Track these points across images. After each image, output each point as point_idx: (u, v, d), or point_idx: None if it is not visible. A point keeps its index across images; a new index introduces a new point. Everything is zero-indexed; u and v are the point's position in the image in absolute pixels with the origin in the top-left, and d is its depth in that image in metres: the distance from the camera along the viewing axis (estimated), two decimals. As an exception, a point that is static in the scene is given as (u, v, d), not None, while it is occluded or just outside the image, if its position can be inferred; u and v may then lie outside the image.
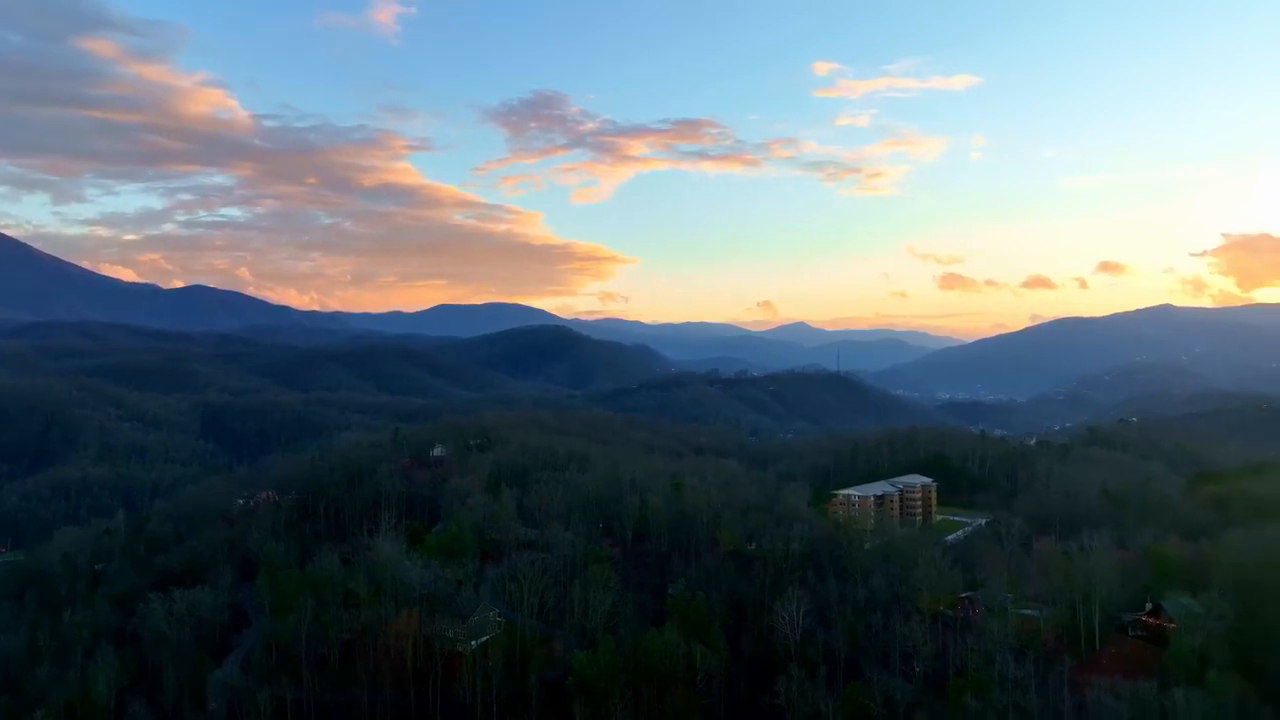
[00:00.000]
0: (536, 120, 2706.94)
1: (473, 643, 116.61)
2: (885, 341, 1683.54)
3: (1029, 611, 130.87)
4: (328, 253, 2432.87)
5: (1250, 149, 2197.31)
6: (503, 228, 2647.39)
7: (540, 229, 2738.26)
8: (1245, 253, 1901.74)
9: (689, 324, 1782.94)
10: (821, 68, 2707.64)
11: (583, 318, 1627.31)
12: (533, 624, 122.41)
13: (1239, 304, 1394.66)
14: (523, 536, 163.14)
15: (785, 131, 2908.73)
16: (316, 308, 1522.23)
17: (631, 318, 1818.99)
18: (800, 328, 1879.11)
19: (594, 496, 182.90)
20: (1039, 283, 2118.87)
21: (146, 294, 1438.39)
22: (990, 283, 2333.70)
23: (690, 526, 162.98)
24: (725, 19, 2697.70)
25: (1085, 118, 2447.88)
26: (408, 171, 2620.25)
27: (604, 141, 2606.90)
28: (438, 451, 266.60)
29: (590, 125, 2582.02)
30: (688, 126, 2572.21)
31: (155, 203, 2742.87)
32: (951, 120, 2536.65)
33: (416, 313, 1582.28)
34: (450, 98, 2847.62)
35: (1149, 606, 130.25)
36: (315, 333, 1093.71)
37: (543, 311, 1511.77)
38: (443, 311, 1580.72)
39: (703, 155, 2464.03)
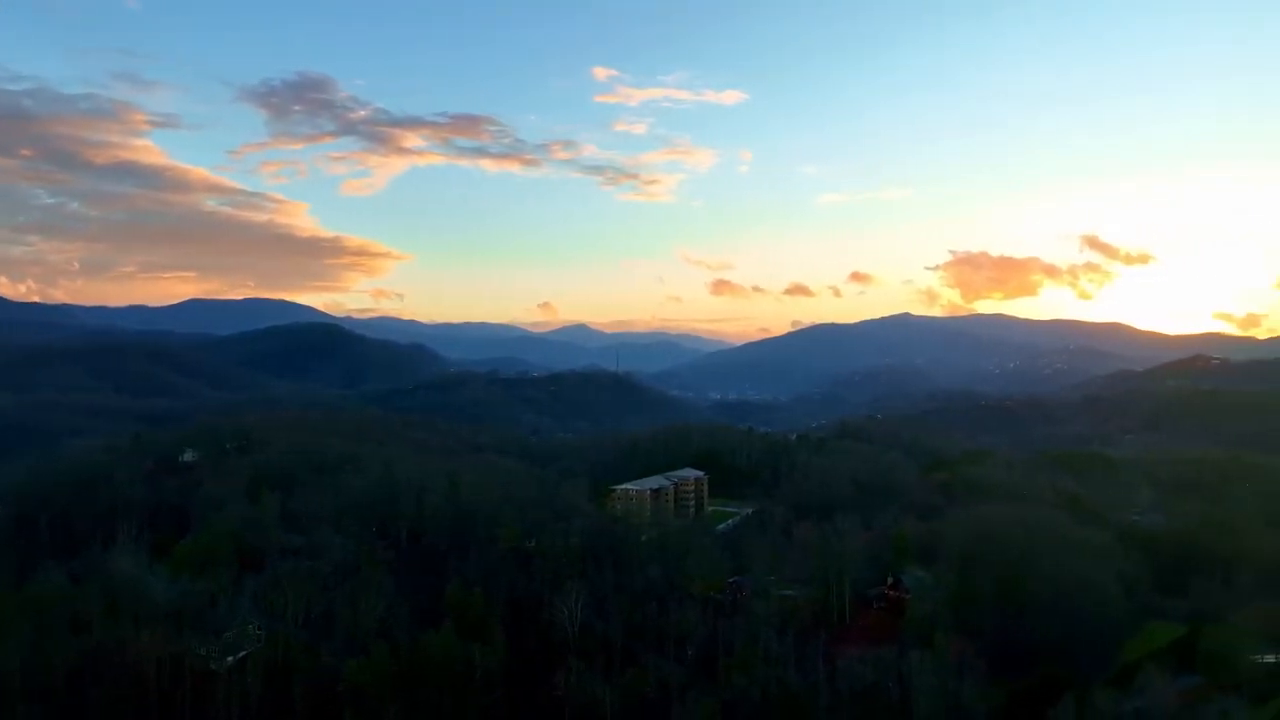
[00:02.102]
0: (301, 103, 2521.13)
1: (228, 659, 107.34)
2: (661, 344, 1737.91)
3: (789, 591, 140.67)
4: (50, 237, 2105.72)
5: (971, 175, 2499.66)
6: (263, 217, 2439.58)
7: (306, 220, 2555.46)
8: (968, 268, 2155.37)
9: (468, 324, 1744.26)
10: (601, 73, 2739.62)
11: (354, 315, 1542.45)
12: (298, 634, 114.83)
13: (963, 314, 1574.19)
14: (287, 543, 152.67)
15: (565, 134, 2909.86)
16: (37, 299, 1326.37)
17: (407, 316, 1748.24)
18: (580, 329, 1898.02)
19: (367, 498, 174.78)
20: (799, 290, 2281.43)
21: None
22: (756, 289, 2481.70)
23: (469, 525, 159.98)
24: (503, 15, 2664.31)
25: (836, 140, 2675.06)
26: (150, 150, 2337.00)
27: (377, 131, 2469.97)
28: (188, 456, 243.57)
29: (361, 113, 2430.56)
30: (466, 122, 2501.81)
31: None
32: (722, 134, 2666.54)
33: (163, 307, 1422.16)
34: (200, 71, 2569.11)
35: (890, 580, 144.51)
36: (36, 327, 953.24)
37: (310, 308, 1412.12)
38: (194, 306, 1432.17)
39: (481, 152, 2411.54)
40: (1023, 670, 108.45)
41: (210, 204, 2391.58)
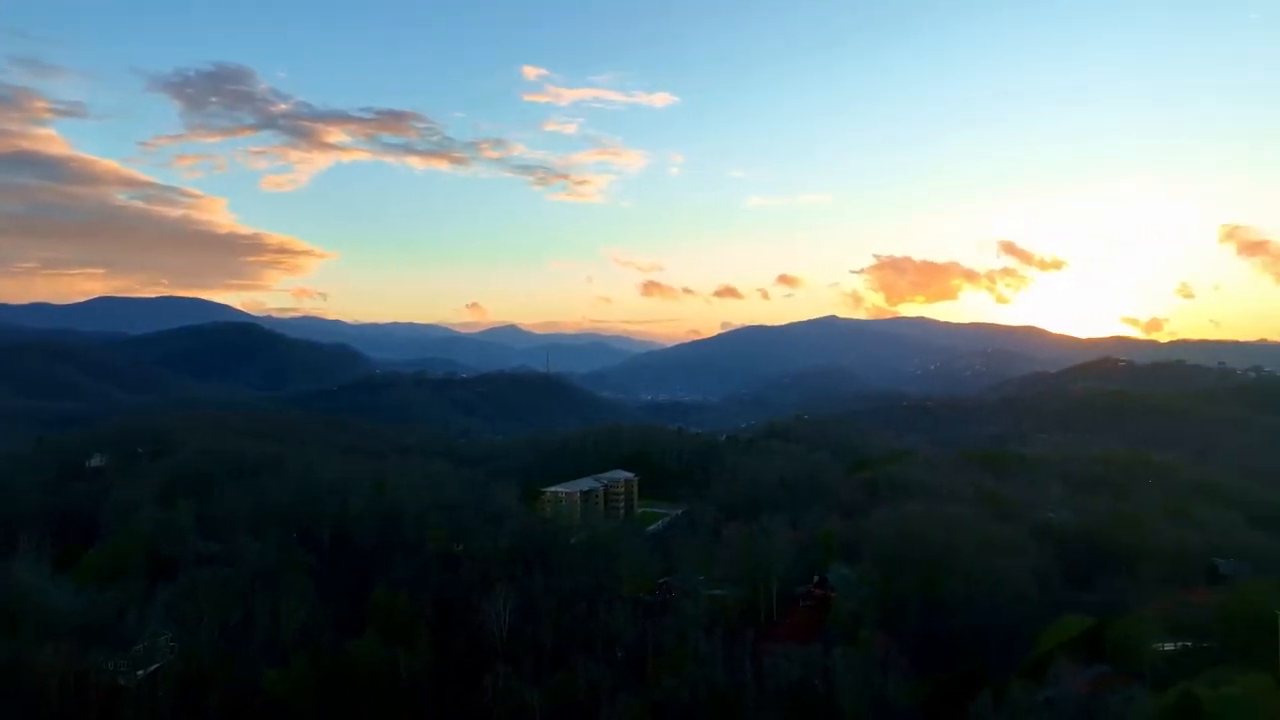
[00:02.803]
0: (219, 95, 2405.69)
1: (138, 673, 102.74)
2: (592, 345, 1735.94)
3: (718, 591, 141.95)
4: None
5: (893, 181, 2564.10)
6: (178, 212, 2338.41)
7: (224, 216, 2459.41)
8: (892, 272, 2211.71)
9: (395, 324, 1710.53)
10: (530, 72, 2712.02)
11: (275, 315, 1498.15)
12: (214, 644, 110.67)
13: (887, 316, 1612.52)
14: (203, 550, 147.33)
15: (494, 132, 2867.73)
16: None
17: (331, 316, 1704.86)
18: (510, 330, 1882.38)
19: (289, 502, 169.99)
20: (728, 292, 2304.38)
21: None
22: (687, 291, 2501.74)
23: (395, 528, 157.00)
24: (429, 10, 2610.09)
25: (764, 144, 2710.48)
26: (53, 140, 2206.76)
27: (299, 125, 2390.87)
28: (96, 461, 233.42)
29: (283, 107, 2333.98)
30: (392, 118, 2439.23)
31: None
32: (652, 136, 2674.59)
33: (69, 305, 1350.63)
34: (108, 58, 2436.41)
35: (816, 579, 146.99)
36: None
37: (228, 307, 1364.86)
38: (104, 304, 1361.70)
39: (408, 149, 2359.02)
40: (944, 664, 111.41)
41: (120, 198, 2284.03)
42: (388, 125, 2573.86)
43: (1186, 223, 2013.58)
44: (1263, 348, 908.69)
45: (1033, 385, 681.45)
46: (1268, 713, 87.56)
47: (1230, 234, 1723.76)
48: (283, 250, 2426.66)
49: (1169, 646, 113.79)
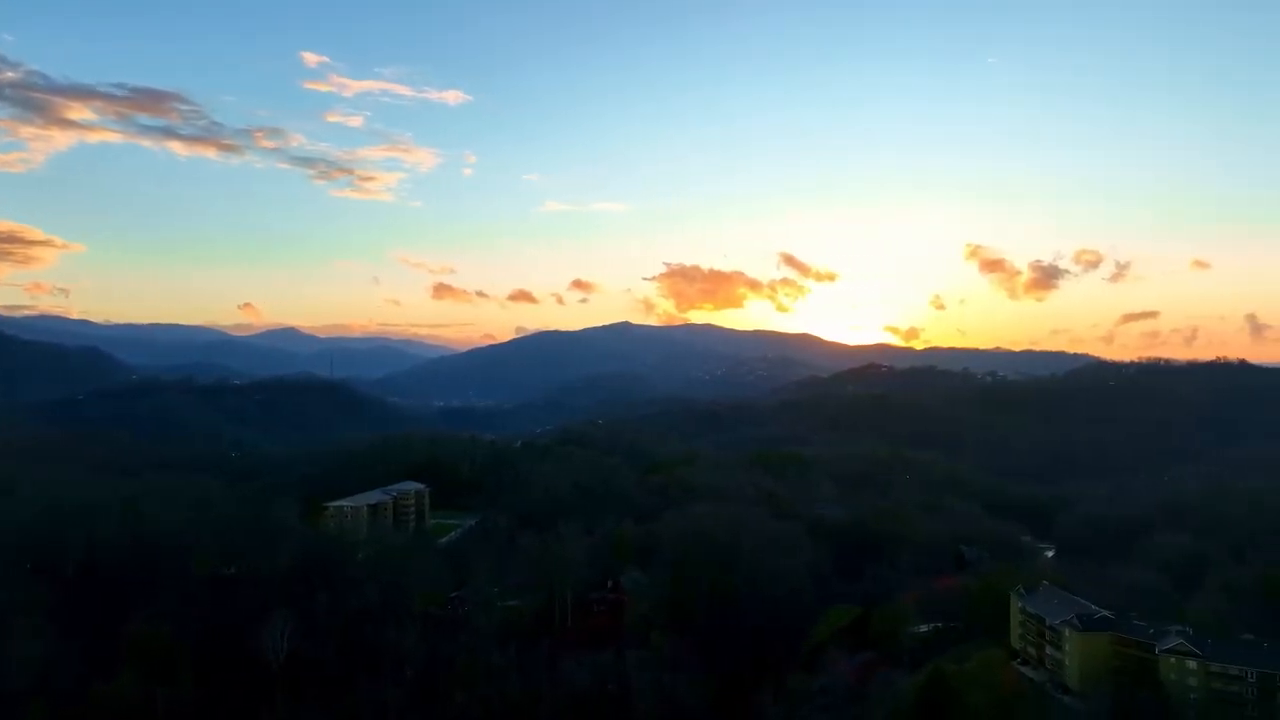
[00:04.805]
0: None
1: None
2: (381, 349, 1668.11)
3: (513, 602, 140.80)
4: None
5: (683, 192, 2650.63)
6: None
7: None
8: (681, 280, 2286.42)
9: (156, 325, 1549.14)
10: (311, 58, 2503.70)
11: (5, 313, 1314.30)
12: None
13: (678, 323, 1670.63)
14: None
15: (270, 120, 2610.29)
16: None
17: (76, 315, 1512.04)
18: (290, 333, 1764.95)
19: (22, 529, 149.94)
20: (523, 297, 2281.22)
21: None
22: (480, 294, 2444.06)
23: (154, 554, 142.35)
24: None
25: (560, 150, 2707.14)
26: None
27: (31, 98, 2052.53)
28: None
29: (10, 75, 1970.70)
30: (149, 97, 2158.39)
31: None
32: (444, 134, 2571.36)
33: None
34: None
35: (610, 584, 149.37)
36: None
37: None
38: None
39: (169, 133, 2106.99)
40: (732, 660, 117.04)
41: None
42: (144, 105, 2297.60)
43: (939, 241, 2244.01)
44: (999, 355, 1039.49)
45: (808, 389, 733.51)
46: (1001, 680, 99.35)
47: (973, 253, 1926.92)
48: (12, 239, 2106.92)
49: (924, 629, 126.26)
